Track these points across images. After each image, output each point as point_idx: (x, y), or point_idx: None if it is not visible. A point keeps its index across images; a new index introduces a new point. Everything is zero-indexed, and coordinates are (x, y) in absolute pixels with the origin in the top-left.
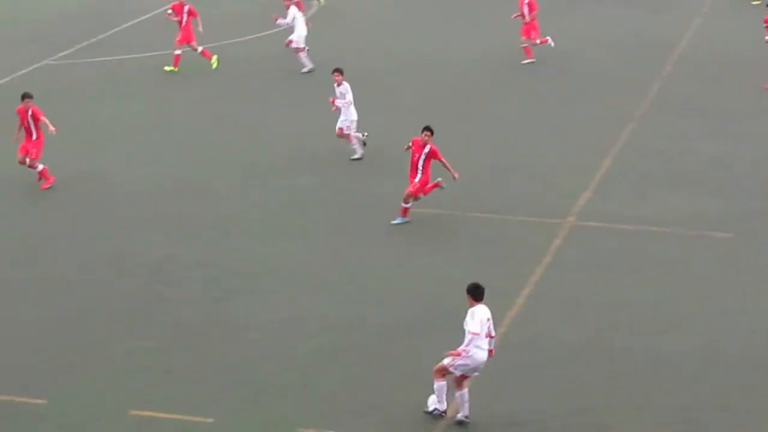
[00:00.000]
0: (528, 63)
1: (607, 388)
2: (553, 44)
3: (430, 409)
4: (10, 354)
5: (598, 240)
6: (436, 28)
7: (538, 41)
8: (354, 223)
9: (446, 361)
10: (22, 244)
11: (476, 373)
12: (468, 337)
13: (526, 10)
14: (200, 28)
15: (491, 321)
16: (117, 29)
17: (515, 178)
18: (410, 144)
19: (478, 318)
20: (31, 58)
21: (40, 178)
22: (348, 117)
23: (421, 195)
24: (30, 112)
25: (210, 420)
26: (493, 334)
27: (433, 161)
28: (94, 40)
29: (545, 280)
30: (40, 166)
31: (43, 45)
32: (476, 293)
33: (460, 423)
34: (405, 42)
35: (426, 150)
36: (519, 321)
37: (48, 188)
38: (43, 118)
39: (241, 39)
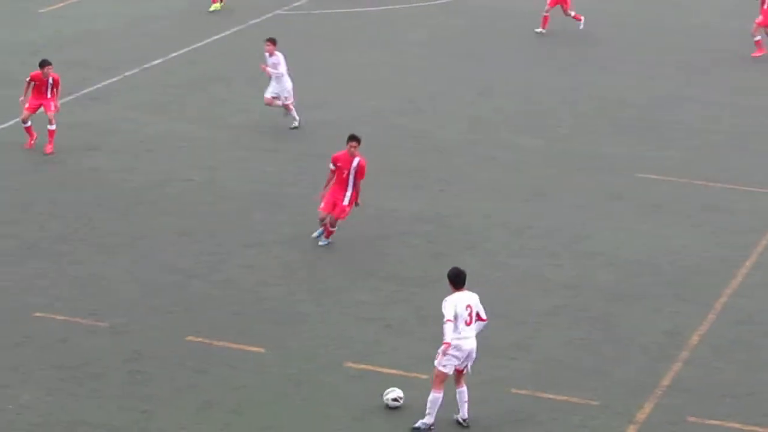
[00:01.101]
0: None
1: None
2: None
3: (417, 425)
4: (235, 302)
5: None
6: None
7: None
8: (580, 185)
9: (436, 363)
10: (271, 198)
11: (469, 363)
12: (444, 326)
13: None
14: None
15: (473, 307)
16: None
17: (753, 146)
18: (334, 162)
19: (451, 304)
20: (264, 7)
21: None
22: (283, 87)
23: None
24: (51, 80)
25: (424, 376)
26: (483, 317)
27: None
28: None
29: None
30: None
31: None
32: (456, 280)
33: (458, 423)
34: None
35: (355, 164)
36: (740, 292)
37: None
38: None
39: None
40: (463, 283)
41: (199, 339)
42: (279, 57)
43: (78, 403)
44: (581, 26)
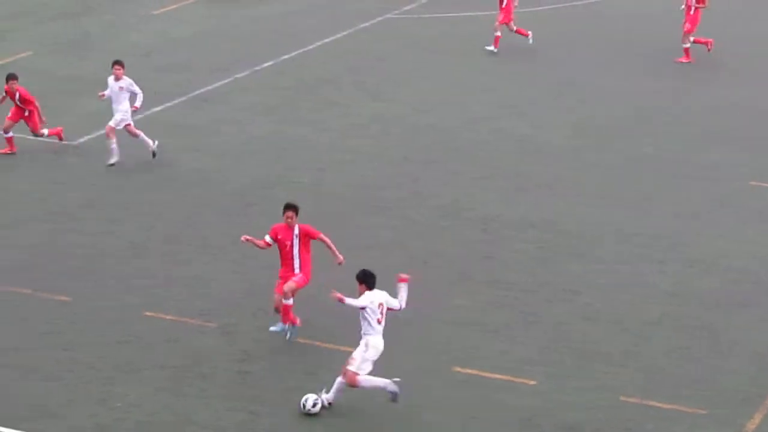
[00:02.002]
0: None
1: None
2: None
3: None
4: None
5: None
6: None
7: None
8: (687, 192)
9: (353, 367)
10: (372, 201)
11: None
12: (363, 313)
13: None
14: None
15: (384, 305)
16: None
17: None
18: (273, 236)
19: (367, 297)
20: (375, 11)
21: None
22: (126, 109)
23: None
24: (18, 95)
25: (533, 382)
26: (394, 306)
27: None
28: None
29: None
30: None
31: None
32: (369, 282)
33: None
34: None
35: (296, 232)
36: None
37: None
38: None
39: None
40: (374, 284)
41: (306, 340)
42: (128, 80)
43: (185, 403)
44: (531, 41)
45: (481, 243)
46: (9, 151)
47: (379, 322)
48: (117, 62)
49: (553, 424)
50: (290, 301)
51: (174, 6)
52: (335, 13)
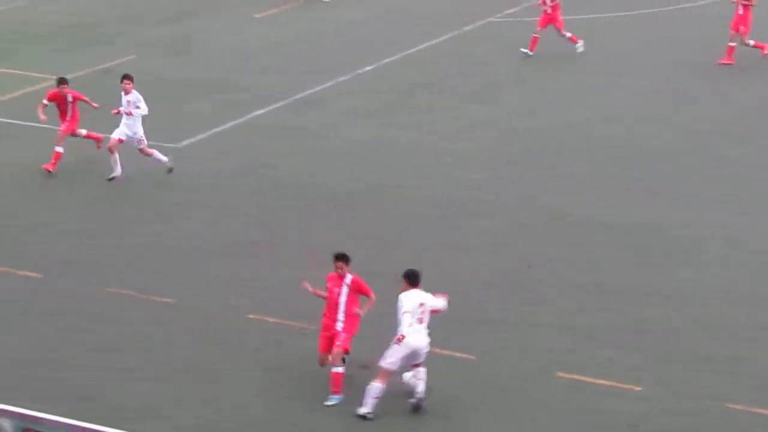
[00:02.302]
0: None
1: None
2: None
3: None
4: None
5: None
6: None
7: None
8: None
9: (383, 362)
10: (475, 205)
11: (419, 360)
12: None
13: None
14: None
15: (426, 305)
16: None
17: None
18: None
19: (408, 301)
20: (477, 14)
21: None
22: (136, 128)
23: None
24: (69, 96)
25: (638, 388)
26: (438, 309)
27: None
28: None
29: None
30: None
31: (491, 1)
32: (412, 279)
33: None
34: None
35: (347, 281)
36: None
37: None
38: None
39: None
40: (418, 282)
41: None
42: (137, 95)
43: (289, 405)
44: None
45: (587, 247)
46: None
47: (420, 321)
48: (126, 76)
49: (659, 430)
50: (340, 369)
51: (276, 9)
52: (437, 16)
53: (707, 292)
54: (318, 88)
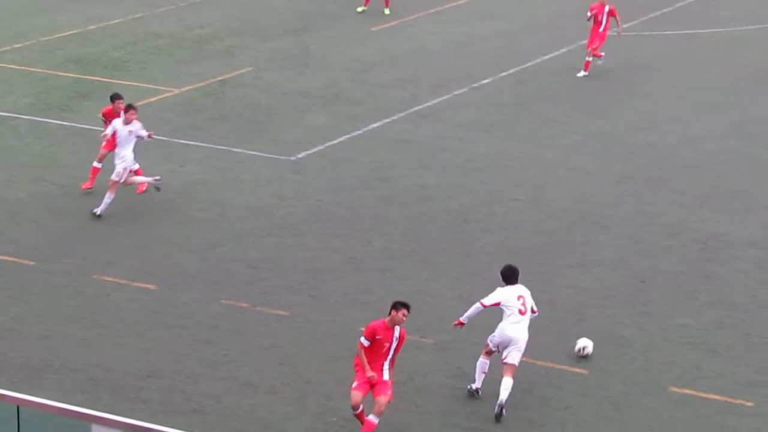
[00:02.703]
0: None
1: None
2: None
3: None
4: (557, 322)
5: None
6: None
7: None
8: None
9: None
10: (593, 219)
11: (513, 352)
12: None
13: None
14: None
15: (526, 298)
16: (682, 3)
17: None
18: (370, 337)
19: (498, 293)
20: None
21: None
22: (129, 156)
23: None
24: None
25: (750, 403)
26: (535, 309)
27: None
28: (658, 13)
29: None
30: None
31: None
32: (508, 275)
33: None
34: None
35: (396, 335)
36: None
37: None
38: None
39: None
40: (515, 279)
41: (523, 358)
42: (139, 124)
43: (401, 418)
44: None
45: (705, 262)
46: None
47: (521, 313)
48: (130, 106)
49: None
50: (376, 421)
51: (393, 22)
52: (556, 30)
53: None
54: (436, 101)
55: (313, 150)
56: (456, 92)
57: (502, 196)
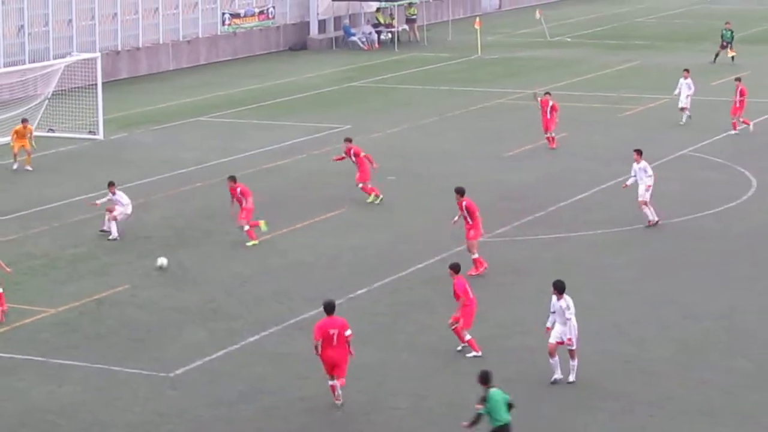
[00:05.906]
0: None
1: None
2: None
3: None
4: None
5: None
6: None
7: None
8: None
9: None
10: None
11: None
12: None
13: None
14: None
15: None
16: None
17: None
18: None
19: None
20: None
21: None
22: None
23: None
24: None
25: None
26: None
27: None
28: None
29: None
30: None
31: None
32: (556, 287)
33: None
34: None
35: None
36: None
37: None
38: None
39: None
40: (561, 290)
41: None
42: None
43: None
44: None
45: None
46: None
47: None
48: (111, 183)
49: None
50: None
51: (267, 236)
52: (430, 238)
53: None
54: (310, 314)
55: (191, 365)
56: None
57: (383, 405)
